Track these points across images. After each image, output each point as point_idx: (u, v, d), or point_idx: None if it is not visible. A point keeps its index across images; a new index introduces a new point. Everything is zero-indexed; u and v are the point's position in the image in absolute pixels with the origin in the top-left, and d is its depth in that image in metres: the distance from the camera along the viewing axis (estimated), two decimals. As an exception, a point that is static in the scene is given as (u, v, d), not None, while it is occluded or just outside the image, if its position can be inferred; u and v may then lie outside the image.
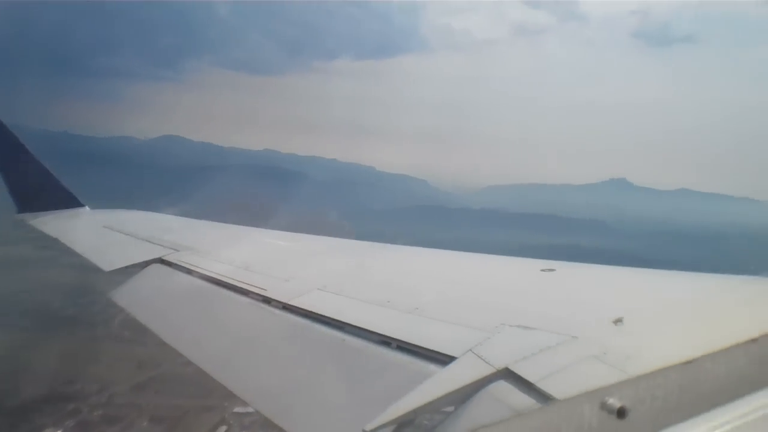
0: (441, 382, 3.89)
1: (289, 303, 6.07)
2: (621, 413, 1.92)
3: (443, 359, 4.17)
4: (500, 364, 3.78)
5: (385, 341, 4.78)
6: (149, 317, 7.79)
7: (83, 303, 60.11)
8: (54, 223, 12.96)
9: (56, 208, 13.71)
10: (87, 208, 13.94)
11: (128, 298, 8.33)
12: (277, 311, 6.10)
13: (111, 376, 46.24)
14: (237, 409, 41.80)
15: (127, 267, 8.95)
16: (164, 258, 8.84)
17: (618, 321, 4.11)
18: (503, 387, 3.52)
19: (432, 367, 4.17)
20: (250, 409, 42.83)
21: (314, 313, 5.70)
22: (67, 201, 13.91)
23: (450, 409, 3.63)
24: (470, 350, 4.15)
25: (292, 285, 6.69)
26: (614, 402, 1.95)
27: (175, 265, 8.52)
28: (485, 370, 3.80)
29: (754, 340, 2.52)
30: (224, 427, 40.24)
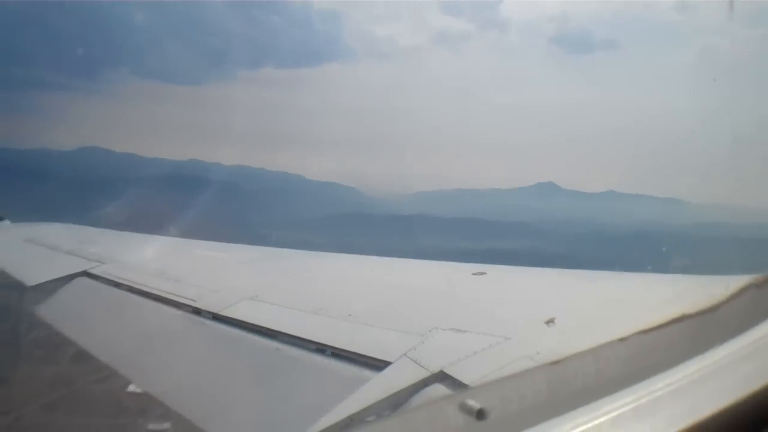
0: (377, 387, 3.98)
1: (220, 313, 6.13)
2: (480, 415, 1.92)
3: (379, 365, 4.32)
4: (435, 368, 3.92)
5: (320, 348, 4.86)
6: (77, 332, 7.90)
7: None
8: None
9: None
10: (7, 221, 13.78)
11: (54, 312, 8.45)
12: (208, 322, 6.18)
13: (19, 396, 43.99)
14: (151, 427, 40.82)
15: (51, 281, 8.97)
16: (90, 271, 8.86)
17: (550, 321, 4.27)
18: (439, 390, 3.63)
19: (368, 372, 4.31)
20: (165, 426, 42.43)
21: (246, 322, 5.80)
22: None
23: (387, 413, 3.61)
24: (405, 354, 4.25)
25: (222, 295, 6.69)
26: (474, 404, 1.95)
27: (101, 278, 8.55)
28: (421, 374, 3.91)
29: (623, 339, 2.58)
30: None
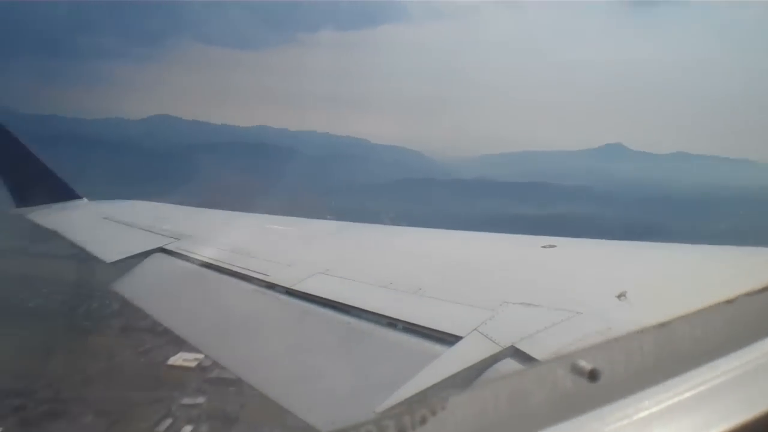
0: (448, 362, 3.97)
1: (293, 288, 6.18)
2: (593, 375, 1.91)
3: (449, 339, 4.28)
4: (506, 343, 3.88)
5: (391, 323, 4.87)
6: (153, 306, 8.02)
7: (48, 294, 61.04)
8: (52, 216, 13.18)
9: (54, 201, 13.89)
10: (85, 199, 13.99)
11: (131, 288, 8.53)
12: (281, 296, 6.22)
13: (64, 369, 46.15)
14: (185, 401, 42.46)
15: (129, 257, 9.06)
16: (165, 247, 8.98)
17: (622, 296, 4.24)
18: (511, 365, 3.68)
19: (438, 347, 4.26)
20: (199, 401, 43.85)
21: (318, 296, 5.80)
22: (65, 193, 14.05)
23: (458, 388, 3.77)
24: (476, 329, 4.25)
25: (294, 270, 6.75)
26: (585, 364, 1.93)
27: (177, 253, 8.65)
28: (492, 349, 3.88)
29: (729, 302, 2.49)
30: (169, 420, 40.22)
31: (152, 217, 11.44)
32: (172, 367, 46.42)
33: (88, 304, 58.19)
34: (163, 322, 7.43)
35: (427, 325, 4.57)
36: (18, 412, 39.99)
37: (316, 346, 5.47)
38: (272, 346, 5.87)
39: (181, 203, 13.47)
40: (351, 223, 10.55)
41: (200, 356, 48.16)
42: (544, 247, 6.21)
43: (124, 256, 9.17)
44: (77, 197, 14.17)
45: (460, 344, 4.17)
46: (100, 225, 12.04)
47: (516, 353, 3.78)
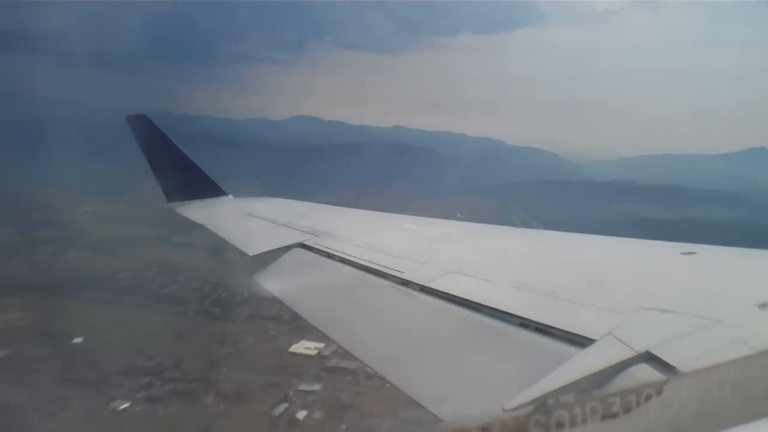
0: (581, 364, 3.90)
1: (427, 285, 6.18)
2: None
3: (582, 342, 4.21)
4: (641, 347, 3.76)
5: (523, 323, 4.82)
6: (292, 298, 8.05)
7: (183, 281, 66.01)
8: (199, 211, 13.81)
9: (202, 197, 14.66)
10: (230, 196, 14.79)
11: (272, 280, 8.71)
12: (415, 293, 6.22)
13: (191, 352, 49.16)
14: (302, 387, 43.96)
15: (270, 251, 9.37)
16: (305, 243, 9.22)
17: (764, 305, 4.05)
18: (645, 370, 3.55)
19: (571, 349, 4.21)
20: (315, 387, 45.64)
21: (451, 295, 5.80)
22: (212, 190, 14.85)
23: (589, 391, 3.68)
24: (610, 333, 4.15)
25: (428, 268, 6.80)
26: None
27: (315, 249, 8.83)
28: (626, 353, 3.77)
29: None
30: (285, 404, 41.33)
31: (293, 214, 11.77)
32: (293, 354, 48.54)
33: (220, 292, 61.94)
34: (299, 312, 7.44)
35: (560, 327, 4.51)
36: (145, 389, 42.75)
37: (447, 342, 5.46)
38: (404, 340, 5.92)
39: (320, 201, 13.94)
40: (485, 224, 10.51)
41: (321, 345, 50.21)
42: (683, 254, 6.02)
43: (265, 249, 9.53)
44: (223, 194, 14.87)
45: (593, 347, 4.09)
46: (243, 220, 12.49)
47: (651, 359, 3.64)
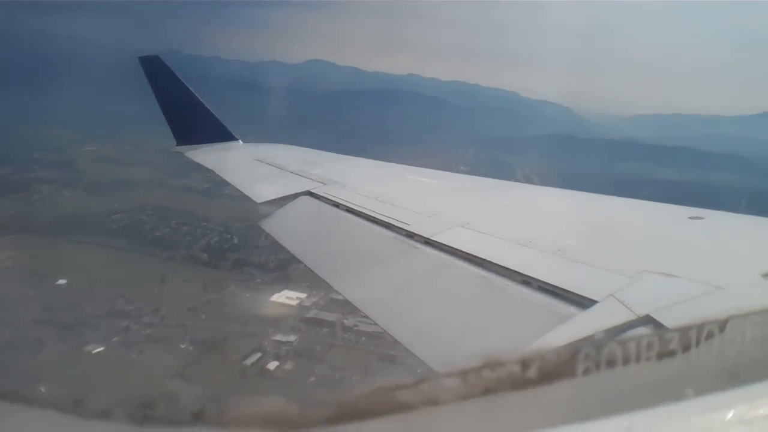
0: (580, 324, 3.91)
1: (432, 238, 6.18)
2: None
3: (584, 302, 4.19)
4: (642, 311, 3.75)
5: (526, 281, 4.80)
6: (298, 246, 8.25)
7: (176, 225, 65.74)
8: (209, 156, 13.77)
9: (211, 141, 14.55)
10: (240, 141, 14.80)
11: (278, 227, 8.87)
12: (420, 246, 6.24)
13: (172, 297, 49.42)
14: (278, 338, 44.16)
15: (277, 198, 9.39)
16: (313, 191, 9.19)
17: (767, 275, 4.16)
18: (643, 334, 3.49)
19: (572, 309, 4.20)
20: (291, 339, 45.63)
21: (456, 249, 5.77)
22: (222, 135, 14.76)
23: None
24: (612, 295, 4.13)
25: (435, 221, 6.79)
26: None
27: (323, 197, 8.82)
28: (626, 316, 3.76)
29: None
30: (258, 354, 41.42)
31: (302, 161, 11.71)
32: (274, 303, 48.71)
33: (210, 237, 62.36)
34: (303, 260, 7.60)
35: (562, 286, 4.51)
36: (122, 333, 43.17)
37: (449, 296, 5.50)
38: (406, 291, 5.98)
39: (330, 148, 13.98)
40: (493, 180, 10.44)
41: (303, 296, 50.64)
42: (691, 218, 6.03)
43: (273, 197, 9.52)
44: (233, 139, 14.82)
45: (594, 308, 4.09)
46: (252, 166, 12.40)
47: (650, 322, 3.64)
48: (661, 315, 3.59)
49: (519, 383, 1.60)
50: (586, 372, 1.66)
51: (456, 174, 11.00)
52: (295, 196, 9.23)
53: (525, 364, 1.59)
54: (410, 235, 6.46)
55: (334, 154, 13.06)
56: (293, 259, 7.84)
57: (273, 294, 49.83)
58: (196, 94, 14.61)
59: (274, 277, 51.77)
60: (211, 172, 12.30)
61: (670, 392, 1.62)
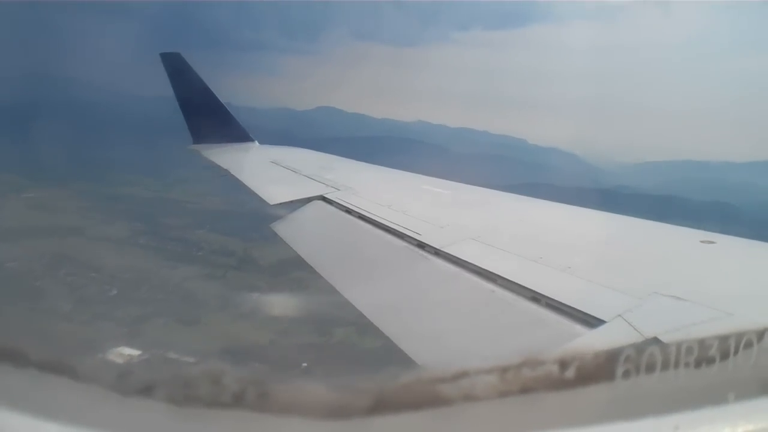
0: (587, 344, 3.90)
1: (442, 250, 6.30)
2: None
3: (592, 322, 4.26)
4: (649, 333, 3.76)
5: (535, 297, 4.87)
6: (308, 250, 8.42)
7: (63, 275, 59.82)
8: (225, 156, 14.17)
9: (228, 141, 15.03)
10: (256, 142, 15.52)
11: (289, 230, 9.05)
12: (430, 256, 6.38)
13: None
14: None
15: (290, 201, 9.66)
16: (326, 196, 9.38)
17: None
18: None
19: (580, 328, 4.28)
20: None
21: (466, 261, 5.88)
22: (239, 135, 15.39)
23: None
24: (620, 315, 4.16)
25: (446, 232, 6.89)
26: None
27: (336, 203, 9.00)
28: (633, 338, 3.77)
29: None
30: None
31: (317, 165, 11.82)
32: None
33: (89, 289, 56.55)
34: (313, 265, 7.56)
35: (570, 304, 4.55)
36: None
37: (457, 308, 5.57)
38: (414, 301, 6.13)
39: None
40: (508, 193, 10.48)
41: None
42: (702, 242, 6.02)
43: (286, 199, 9.81)
44: (250, 140, 15.41)
45: (602, 328, 4.12)
46: (267, 168, 12.71)
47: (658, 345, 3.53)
48: (668, 338, 3.57)
49: (557, 383, 1.64)
50: (625, 375, 1.67)
51: (469, 186, 10.95)
52: (308, 200, 9.37)
53: (563, 364, 1.61)
54: (421, 246, 6.59)
55: (349, 160, 13.69)
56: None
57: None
58: (215, 93, 15.09)
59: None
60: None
61: (708, 397, 1.63)
